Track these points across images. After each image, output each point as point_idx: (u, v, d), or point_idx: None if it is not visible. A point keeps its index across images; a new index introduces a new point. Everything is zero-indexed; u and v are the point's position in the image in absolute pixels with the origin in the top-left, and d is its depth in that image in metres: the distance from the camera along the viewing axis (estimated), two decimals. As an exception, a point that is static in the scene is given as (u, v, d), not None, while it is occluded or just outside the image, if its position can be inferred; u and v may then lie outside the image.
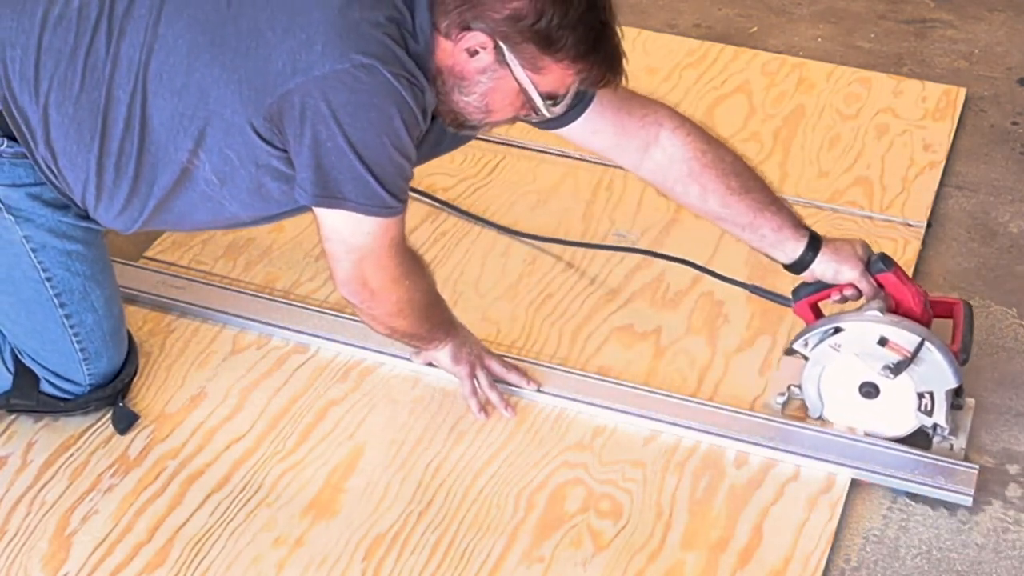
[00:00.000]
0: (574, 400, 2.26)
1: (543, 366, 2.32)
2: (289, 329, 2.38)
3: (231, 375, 2.31)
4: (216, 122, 1.94)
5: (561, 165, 2.88)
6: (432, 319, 2.17)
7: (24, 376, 2.16)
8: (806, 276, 2.22)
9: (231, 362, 2.34)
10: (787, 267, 2.23)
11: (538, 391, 2.27)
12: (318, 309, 2.43)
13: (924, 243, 2.70)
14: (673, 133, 2.17)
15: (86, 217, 2.09)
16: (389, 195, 1.93)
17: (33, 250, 2.08)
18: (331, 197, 1.92)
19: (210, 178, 2.00)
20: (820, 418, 2.25)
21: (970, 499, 2.12)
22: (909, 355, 2.12)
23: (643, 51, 3.31)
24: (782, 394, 2.27)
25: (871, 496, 2.15)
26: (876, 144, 2.99)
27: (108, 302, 2.16)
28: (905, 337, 2.13)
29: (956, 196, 2.87)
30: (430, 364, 2.29)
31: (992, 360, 2.43)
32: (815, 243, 2.20)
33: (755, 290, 2.36)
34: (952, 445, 2.20)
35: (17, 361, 2.16)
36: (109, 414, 2.20)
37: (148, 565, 1.98)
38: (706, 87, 3.17)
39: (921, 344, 2.12)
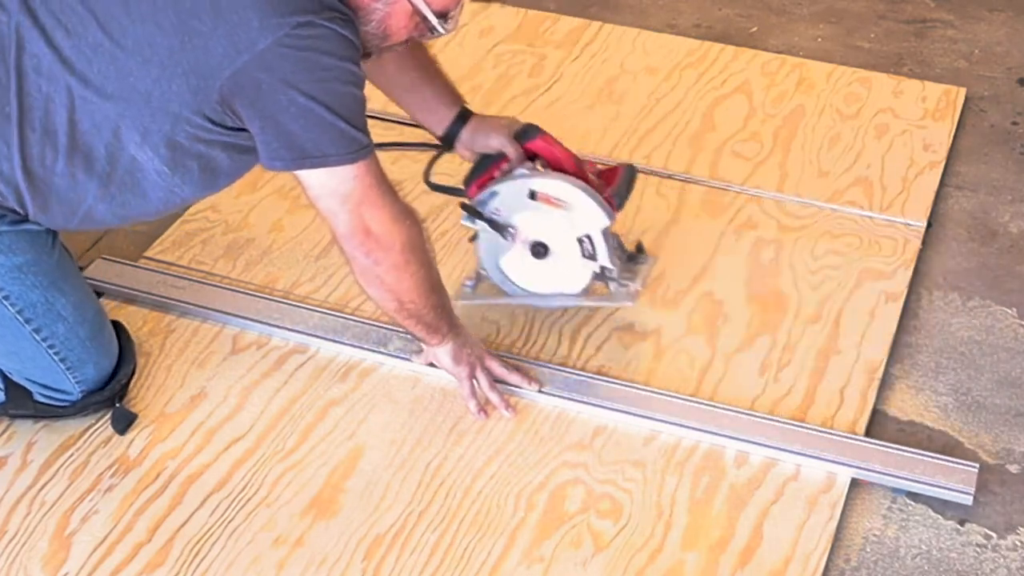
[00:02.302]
0: (574, 400, 2.26)
1: (543, 366, 2.32)
2: (289, 329, 2.38)
3: (231, 375, 2.31)
4: (161, 118, 1.96)
5: (561, 165, 2.87)
6: (437, 290, 2.15)
7: (16, 389, 2.16)
8: (459, 148, 2.36)
9: (231, 362, 2.34)
10: (441, 139, 2.37)
11: (539, 391, 2.27)
12: (318, 309, 2.43)
13: (924, 243, 2.70)
14: None
15: (24, 219, 2.06)
16: (361, 133, 1.98)
17: None
18: (310, 158, 1.96)
19: (161, 169, 2.02)
20: (514, 294, 2.37)
21: (970, 498, 2.12)
22: (559, 204, 2.26)
23: (643, 51, 3.31)
24: (470, 279, 2.38)
25: (871, 496, 2.15)
26: (876, 144, 2.99)
27: (77, 308, 2.14)
28: (552, 186, 2.26)
29: (956, 196, 2.87)
30: (431, 364, 2.28)
31: (992, 360, 2.43)
32: (465, 115, 2.36)
33: (434, 187, 2.40)
34: (628, 287, 2.33)
35: (7, 379, 2.16)
36: (108, 415, 2.20)
37: (148, 565, 1.98)
38: (706, 87, 3.17)
39: (569, 192, 2.25)
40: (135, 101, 1.95)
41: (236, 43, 1.88)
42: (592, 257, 2.29)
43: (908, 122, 3.07)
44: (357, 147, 1.98)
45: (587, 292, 2.35)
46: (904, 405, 2.33)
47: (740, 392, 2.31)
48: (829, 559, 2.03)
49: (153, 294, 2.45)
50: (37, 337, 2.10)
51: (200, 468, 2.13)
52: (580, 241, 2.28)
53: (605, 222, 2.26)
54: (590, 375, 2.31)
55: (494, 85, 3.14)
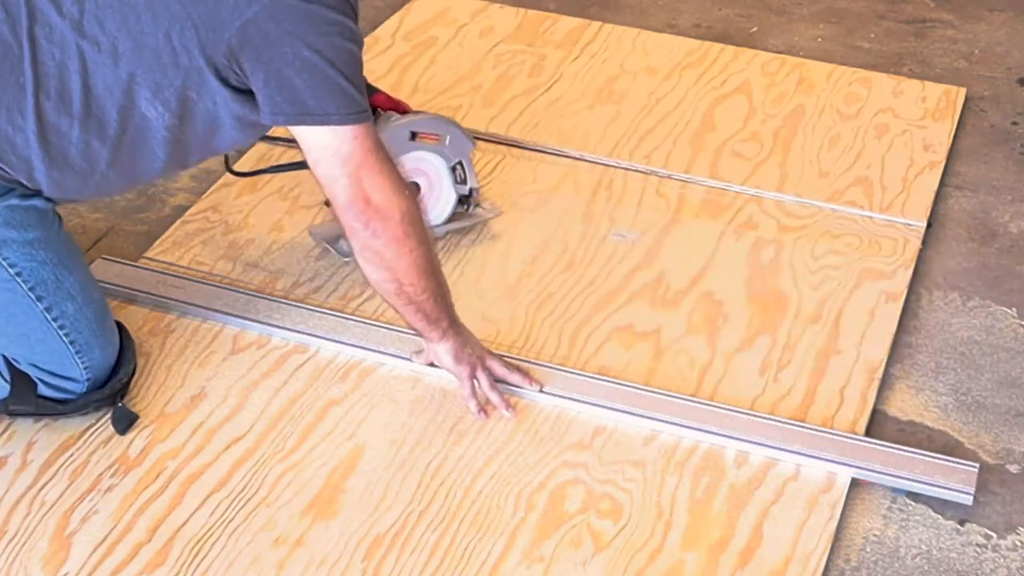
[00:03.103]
0: (574, 400, 2.26)
1: (543, 366, 2.32)
2: (289, 329, 2.38)
3: (231, 375, 2.31)
4: (172, 73, 1.99)
5: (561, 165, 2.88)
6: (436, 275, 2.14)
7: (21, 382, 2.15)
8: None
9: (231, 362, 2.34)
10: None
11: (540, 391, 2.27)
12: (318, 309, 2.43)
13: (924, 243, 2.70)
14: None
15: (33, 195, 2.09)
16: (361, 96, 2.01)
17: None
18: (312, 114, 1.99)
19: (172, 123, 2.05)
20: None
21: (970, 498, 2.12)
22: (437, 138, 2.50)
23: (643, 51, 3.31)
24: (344, 237, 2.41)
25: (871, 496, 2.15)
26: (876, 144, 2.99)
27: (84, 288, 2.15)
28: (428, 124, 2.51)
29: (956, 196, 2.87)
30: (431, 364, 2.28)
31: (992, 360, 2.43)
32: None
33: (274, 168, 2.62)
34: (485, 205, 2.64)
35: (12, 368, 2.15)
36: (109, 414, 2.20)
37: (148, 565, 1.98)
38: (706, 87, 3.17)
39: (442, 125, 2.52)
40: (146, 57, 1.98)
41: None
42: (464, 181, 2.56)
43: (908, 122, 3.07)
44: (357, 109, 2.00)
45: (450, 219, 2.59)
46: (904, 405, 2.33)
47: (740, 392, 2.31)
48: (829, 559, 2.03)
49: (153, 294, 2.45)
50: (48, 316, 2.11)
51: (200, 468, 2.13)
52: (453, 169, 2.54)
53: (471, 146, 2.55)
54: (590, 375, 2.31)
55: (494, 85, 3.14)
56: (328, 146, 2.01)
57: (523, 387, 2.26)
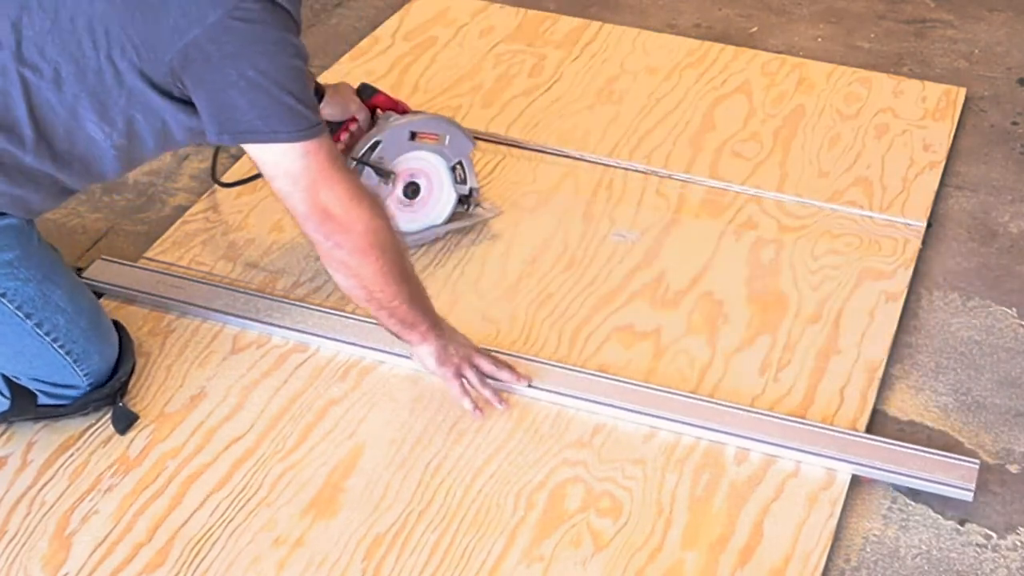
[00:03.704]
0: (573, 397, 2.26)
1: (542, 363, 2.32)
2: (289, 328, 2.38)
3: (231, 375, 2.31)
4: (116, 93, 1.99)
5: (561, 165, 2.88)
6: (409, 281, 2.12)
7: (21, 397, 2.15)
8: None
9: (231, 362, 2.34)
10: None
11: (532, 387, 2.26)
12: (318, 308, 2.43)
13: (924, 243, 2.70)
14: None
15: (3, 214, 2.07)
16: (310, 111, 1.99)
17: None
18: (258, 133, 1.97)
19: (120, 143, 2.05)
20: None
21: (971, 494, 2.12)
22: (436, 138, 2.51)
23: (643, 51, 3.31)
24: None
25: (871, 496, 2.15)
26: (876, 144, 2.99)
27: (73, 298, 2.14)
28: (427, 124, 2.51)
29: (956, 196, 2.87)
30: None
31: (992, 360, 2.43)
32: (320, 90, 2.46)
33: (227, 184, 2.63)
34: (486, 205, 2.64)
35: (12, 384, 2.14)
36: (109, 414, 2.20)
37: (148, 565, 1.97)
38: (706, 87, 3.17)
39: (442, 125, 2.52)
40: (89, 80, 1.98)
41: (187, 15, 1.92)
42: (464, 181, 2.57)
43: (908, 122, 3.07)
44: (307, 124, 1.98)
45: (450, 219, 2.60)
46: (904, 405, 2.33)
47: (740, 392, 2.31)
48: (829, 559, 2.03)
49: (153, 294, 2.45)
50: (40, 331, 2.10)
51: (200, 468, 2.13)
52: (453, 169, 2.54)
53: (471, 146, 2.55)
54: (589, 372, 2.31)
55: (494, 85, 3.14)
56: (279, 163, 1.99)
57: (512, 383, 2.26)
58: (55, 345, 2.12)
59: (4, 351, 2.12)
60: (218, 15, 1.91)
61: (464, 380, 2.22)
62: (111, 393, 2.19)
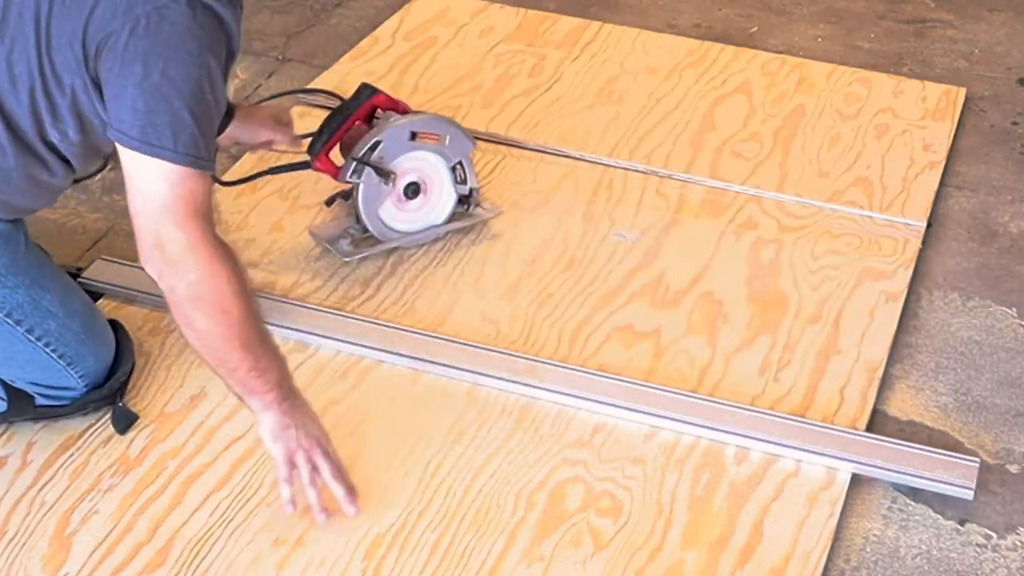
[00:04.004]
0: (573, 397, 2.26)
1: (542, 363, 2.32)
2: (289, 328, 2.38)
3: (231, 375, 2.31)
4: (65, 90, 1.94)
5: (561, 165, 2.88)
6: (251, 348, 1.94)
7: (18, 398, 2.15)
8: (222, 139, 2.40)
9: (231, 362, 2.33)
10: None
11: (532, 387, 2.26)
12: (318, 308, 2.43)
13: (924, 243, 2.70)
14: None
15: None
16: (204, 142, 1.89)
17: None
18: (148, 143, 1.87)
19: (77, 139, 2.00)
20: (390, 239, 2.55)
21: (971, 493, 2.12)
22: (437, 138, 2.51)
23: (643, 51, 3.31)
24: (344, 238, 2.54)
25: (871, 496, 2.15)
26: (876, 144, 2.99)
27: (64, 302, 2.13)
28: (428, 124, 2.52)
29: (956, 196, 2.87)
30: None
31: (992, 360, 2.43)
32: (229, 109, 2.42)
33: (274, 169, 2.59)
34: (480, 204, 2.64)
35: (8, 387, 2.14)
36: (108, 414, 2.20)
37: (148, 565, 1.97)
38: (706, 87, 3.17)
39: (442, 125, 2.53)
40: (27, 80, 1.93)
41: (115, 7, 1.87)
42: (464, 181, 2.58)
43: (908, 122, 3.07)
44: (196, 154, 1.88)
45: (450, 219, 2.60)
46: (904, 405, 2.33)
47: (740, 392, 2.31)
48: (829, 559, 2.03)
49: (153, 294, 2.43)
50: (31, 337, 2.10)
51: (200, 468, 2.13)
52: (453, 169, 2.55)
53: (471, 146, 2.56)
54: (589, 371, 2.31)
55: (494, 85, 3.14)
56: (139, 176, 1.89)
57: (342, 505, 2.02)
58: (47, 350, 2.11)
59: None
60: (146, 9, 1.85)
61: (292, 468, 2.00)
62: (110, 393, 2.19)
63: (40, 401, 2.16)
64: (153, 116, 1.87)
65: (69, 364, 2.13)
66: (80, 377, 2.15)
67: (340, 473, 2.02)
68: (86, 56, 1.90)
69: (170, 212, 1.88)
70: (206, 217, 1.91)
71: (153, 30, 1.86)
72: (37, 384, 2.15)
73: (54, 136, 1.99)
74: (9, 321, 2.08)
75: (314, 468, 2.00)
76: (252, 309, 1.96)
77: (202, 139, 1.89)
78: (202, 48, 1.89)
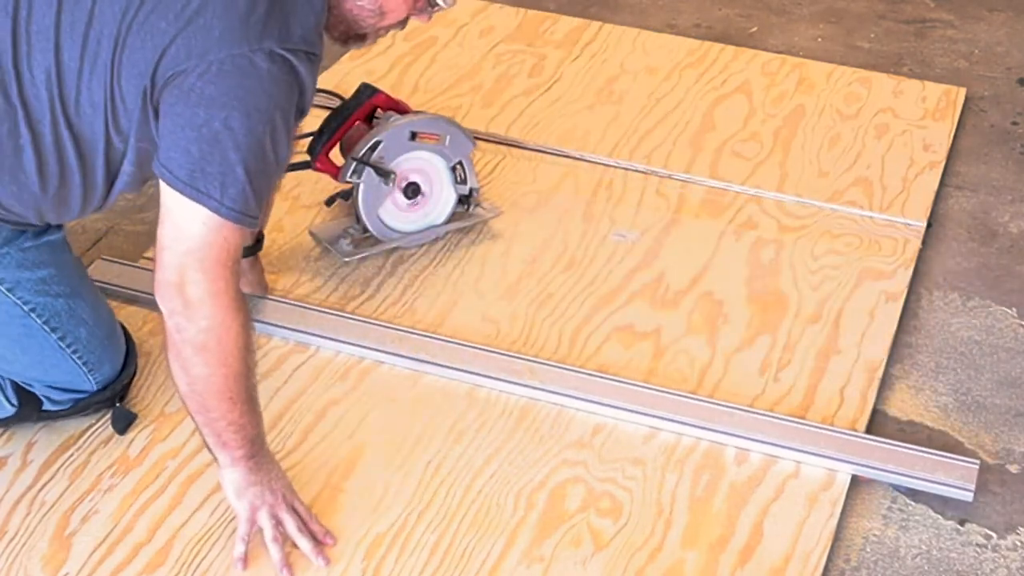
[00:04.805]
0: (573, 397, 2.26)
1: (543, 364, 2.32)
2: (289, 329, 2.38)
3: (231, 375, 2.31)
4: (125, 113, 1.90)
5: (561, 165, 2.88)
6: (239, 405, 1.91)
7: (27, 405, 2.15)
8: None
9: (231, 362, 2.33)
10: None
11: (532, 387, 2.26)
12: (318, 308, 2.43)
13: (924, 243, 2.70)
14: None
15: (44, 231, 2.06)
16: (255, 199, 1.85)
17: (9, 289, 2.04)
18: (195, 188, 1.82)
19: (131, 159, 1.96)
20: (390, 239, 2.56)
21: (971, 494, 2.12)
22: (436, 138, 2.51)
23: (643, 51, 3.31)
24: (344, 238, 2.54)
25: (871, 496, 2.15)
26: (876, 144, 2.99)
27: (95, 309, 2.14)
28: (428, 124, 2.52)
29: (956, 196, 2.87)
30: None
31: (992, 360, 2.43)
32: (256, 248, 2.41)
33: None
34: (480, 204, 2.64)
35: (20, 391, 2.14)
36: (108, 415, 2.20)
37: (148, 565, 1.97)
38: (706, 87, 3.17)
39: (442, 125, 2.53)
40: (102, 105, 1.89)
41: (190, 47, 1.82)
42: (464, 181, 2.58)
43: (908, 122, 3.07)
44: (243, 209, 1.84)
45: (450, 219, 2.60)
46: (904, 405, 2.33)
47: (740, 392, 2.31)
48: (829, 559, 2.03)
49: (153, 294, 2.44)
50: (62, 344, 2.10)
51: (200, 468, 2.13)
52: (453, 169, 2.55)
53: (471, 146, 2.56)
54: (589, 372, 2.31)
55: (494, 85, 3.14)
56: (174, 215, 1.85)
57: (311, 558, 1.97)
58: (74, 356, 2.12)
59: (24, 360, 2.11)
60: (220, 56, 1.81)
61: (253, 526, 1.97)
62: (112, 396, 2.19)
63: (47, 406, 2.16)
64: (205, 163, 1.82)
65: (90, 370, 2.14)
66: (96, 382, 2.16)
67: (306, 525, 1.99)
68: (154, 87, 1.86)
69: (200, 258, 1.84)
70: (233, 268, 1.88)
71: (224, 77, 1.82)
72: (53, 387, 2.15)
73: (115, 160, 1.95)
74: (46, 328, 2.08)
75: (279, 523, 1.97)
76: (251, 367, 1.93)
77: (252, 196, 1.85)
78: (271, 104, 1.84)
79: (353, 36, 2.02)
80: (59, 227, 2.12)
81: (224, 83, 1.82)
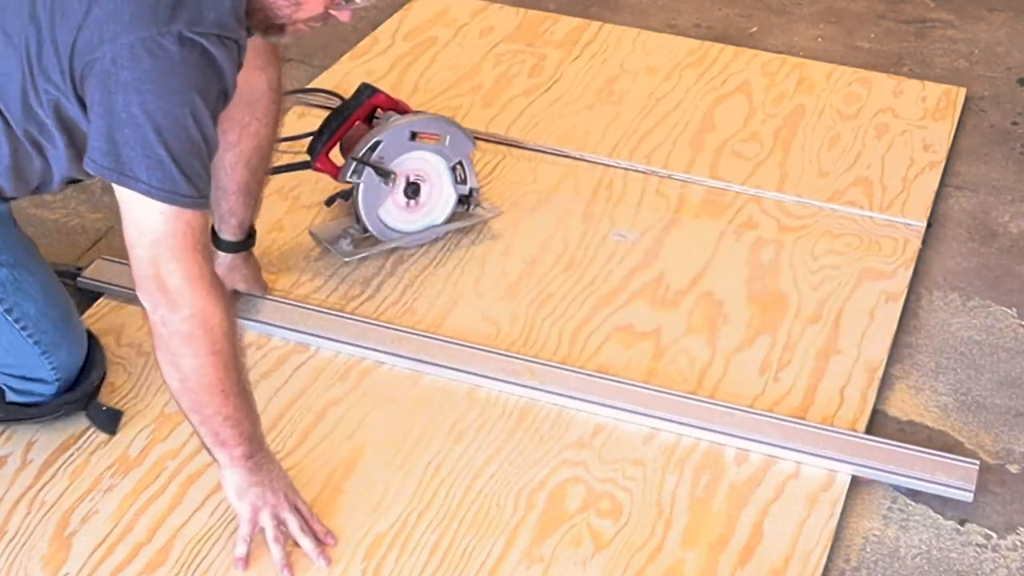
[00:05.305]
0: (573, 397, 2.26)
1: (543, 364, 2.32)
2: (289, 329, 2.38)
3: (231, 375, 2.31)
4: (56, 95, 1.90)
5: (561, 165, 2.88)
6: (231, 398, 1.90)
7: None
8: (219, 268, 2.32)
9: (231, 362, 2.33)
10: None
11: (532, 387, 2.26)
12: (318, 309, 2.43)
13: (924, 243, 2.70)
14: (266, 90, 2.27)
15: None
16: (185, 179, 1.83)
17: None
18: (121, 174, 1.82)
19: (65, 139, 1.96)
20: (390, 239, 2.56)
21: (971, 495, 2.12)
22: (437, 138, 2.52)
23: (643, 51, 3.31)
24: (344, 238, 2.54)
25: (871, 496, 2.15)
26: (876, 144, 2.99)
27: (46, 289, 2.12)
28: (428, 124, 2.52)
29: (956, 196, 2.87)
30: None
31: (992, 360, 2.43)
32: (248, 245, 2.41)
33: (274, 169, 2.51)
34: (480, 204, 2.64)
35: None
36: (102, 419, 2.19)
37: (148, 565, 1.97)
38: (706, 87, 3.17)
39: (442, 125, 2.53)
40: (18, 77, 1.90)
41: (102, 31, 1.82)
42: (464, 181, 2.58)
43: (908, 122, 3.07)
44: (173, 189, 1.82)
45: (450, 219, 2.60)
46: (904, 405, 2.33)
47: (740, 392, 2.31)
48: (829, 559, 2.03)
49: (153, 294, 2.45)
50: (9, 318, 2.08)
51: (200, 468, 2.13)
52: (453, 169, 2.55)
53: (471, 146, 2.56)
54: (590, 372, 2.31)
55: (494, 85, 3.14)
56: (132, 209, 1.84)
57: (312, 558, 1.98)
58: (23, 333, 2.09)
59: None
60: (131, 39, 1.80)
61: (256, 527, 1.97)
62: (83, 397, 2.17)
63: (11, 397, 2.14)
64: (128, 148, 1.82)
65: (43, 352, 2.11)
66: (53, 368, 2.13)
67: (309, 525, 2.00)
68: (72, 74, 1.86)
69: (168, 247, 1.85)
70: (204, 252, 1.88)
71: (137, 61, 1.82)
72: (11, 374, 2.13)
73: (40, 138, 1.96)
74: None
75: (280, 523, 1.97)
76: (239, 355, 1.93)
77: (182, 177, 1.83)
78: (187, 85, 1.83)
79: (271, 27, 1.98)
80: (3, 200, 2.08)
81: (137, 67, 1.81)
